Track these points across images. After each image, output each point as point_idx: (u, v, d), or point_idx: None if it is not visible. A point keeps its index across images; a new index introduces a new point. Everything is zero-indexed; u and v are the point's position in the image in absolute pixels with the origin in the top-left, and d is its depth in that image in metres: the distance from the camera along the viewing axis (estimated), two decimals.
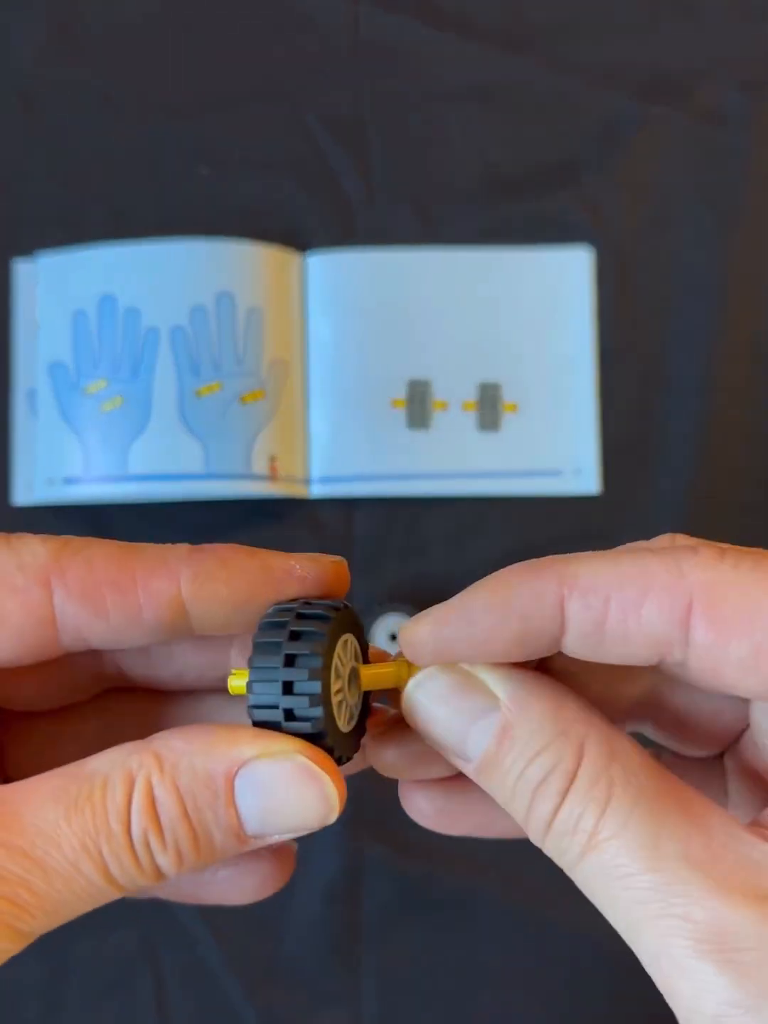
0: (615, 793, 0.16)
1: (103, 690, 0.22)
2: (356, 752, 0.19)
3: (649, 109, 0.54)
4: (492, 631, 0.17)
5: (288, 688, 0.17)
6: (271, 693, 0.17)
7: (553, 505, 0.51)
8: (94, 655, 0.21)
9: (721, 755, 0.22)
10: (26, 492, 0.51)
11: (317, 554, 0.19)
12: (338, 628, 0.18)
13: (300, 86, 0.53)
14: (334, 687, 0.18)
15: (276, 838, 0.17)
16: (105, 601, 0.18)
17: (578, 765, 0.16)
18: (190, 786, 0.16)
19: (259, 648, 0.18)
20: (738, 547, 0.17)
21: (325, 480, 0.51)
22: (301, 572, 0.19)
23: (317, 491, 0.51)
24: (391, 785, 0.52)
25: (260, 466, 0.50)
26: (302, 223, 0.53)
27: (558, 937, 0.48)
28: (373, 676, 0.19)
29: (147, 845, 0.16)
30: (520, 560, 0.18)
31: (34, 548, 0.18)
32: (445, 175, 0.53)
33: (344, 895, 0.49)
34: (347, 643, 0.19)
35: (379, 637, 0.48)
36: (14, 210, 0.53)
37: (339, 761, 0.18)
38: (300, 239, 0.52)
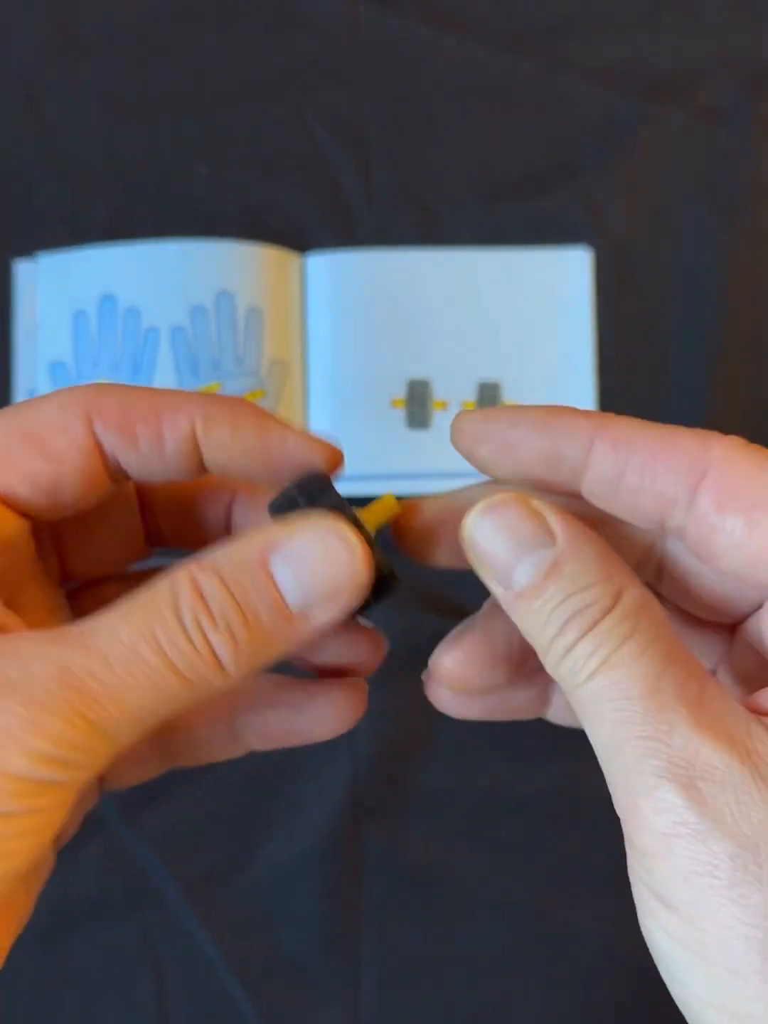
0: (638, 633, 0.18)
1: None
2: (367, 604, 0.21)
3: (649, 109, 0.54)
4: (526, 439, 0.20)
5: (310, 500, 0.20)
6: (289, 495, 0.21)
7: None
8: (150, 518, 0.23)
9: (732, 628, 0.23)
10: None
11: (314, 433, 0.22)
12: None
13: (300, 86, 0.54)
14: None
15: (319, 614, 0.19)
16: (136, 432, 0.21)
17: (614, 605, 0.19)
18: (231, 572, 0.18)
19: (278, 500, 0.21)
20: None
21: None
22: (295, 444, 0.21)
23: None
24: (389, 782, 0.52)
25: None
26: (302, 223, 0.53)
27: (559, 930, 0.48)
28: (373, 513, 0.21)
29: (198, 625, 0.18)
30: None
31: (73, 392, 0.21)
32: (445, 175, 0.53)
33: (343, 890, 0.49)
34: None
35: None
36: (15, 210, 0.53)
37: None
38: (300, 239, 0.52)
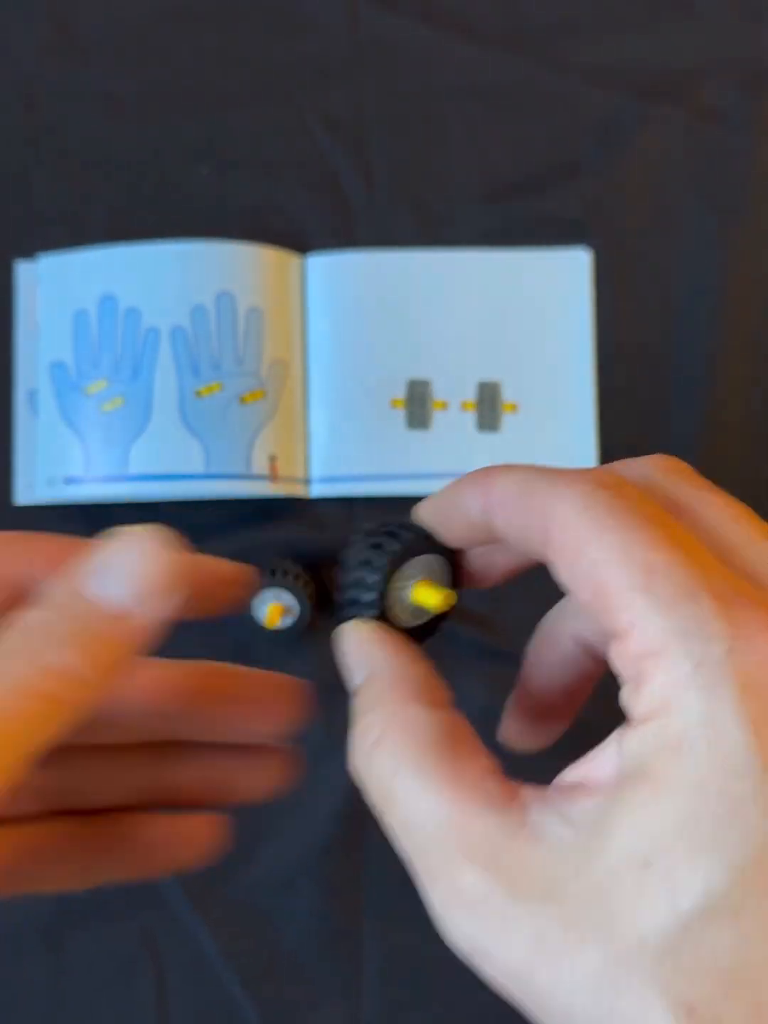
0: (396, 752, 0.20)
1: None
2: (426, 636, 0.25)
3: (649, 109, 0.53)
4: (453, 518, 0.23)
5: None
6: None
7: None
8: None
9: None
10: (27, 492, 0.51)
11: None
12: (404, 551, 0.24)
13: (300, 86, 0.53)
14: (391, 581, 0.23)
15: (147, 608, 0.19)
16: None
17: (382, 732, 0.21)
18: (52, 598, 0.19)
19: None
20: (633, 488, 0.20)
21: (325, 480, 0.51)
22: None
23: (317, 491, 0.51)
24: None
25: (260, 466, 0.50)
26: (302, 223, 0.53)
27: None
28: (422, 593, 0.24)
29: (33, 648, 0.18)
30: None
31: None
32: (445, 175, 0.53)
33: (343, 889, 0.49)
34: (417, 561, 0.24)
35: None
36: (16, 211, 0.53)
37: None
38: (300, 239, 0.52)
